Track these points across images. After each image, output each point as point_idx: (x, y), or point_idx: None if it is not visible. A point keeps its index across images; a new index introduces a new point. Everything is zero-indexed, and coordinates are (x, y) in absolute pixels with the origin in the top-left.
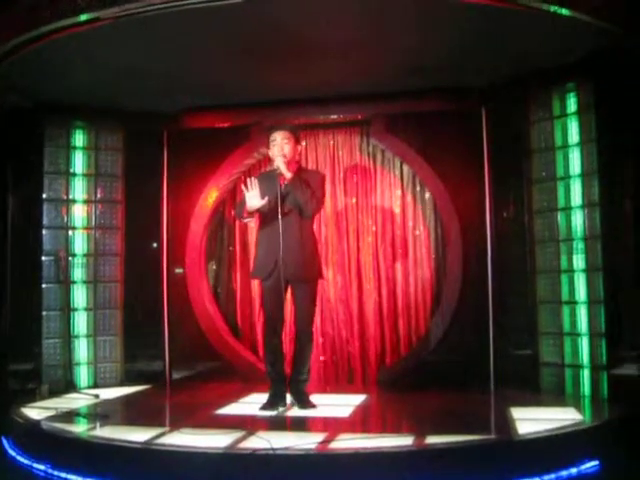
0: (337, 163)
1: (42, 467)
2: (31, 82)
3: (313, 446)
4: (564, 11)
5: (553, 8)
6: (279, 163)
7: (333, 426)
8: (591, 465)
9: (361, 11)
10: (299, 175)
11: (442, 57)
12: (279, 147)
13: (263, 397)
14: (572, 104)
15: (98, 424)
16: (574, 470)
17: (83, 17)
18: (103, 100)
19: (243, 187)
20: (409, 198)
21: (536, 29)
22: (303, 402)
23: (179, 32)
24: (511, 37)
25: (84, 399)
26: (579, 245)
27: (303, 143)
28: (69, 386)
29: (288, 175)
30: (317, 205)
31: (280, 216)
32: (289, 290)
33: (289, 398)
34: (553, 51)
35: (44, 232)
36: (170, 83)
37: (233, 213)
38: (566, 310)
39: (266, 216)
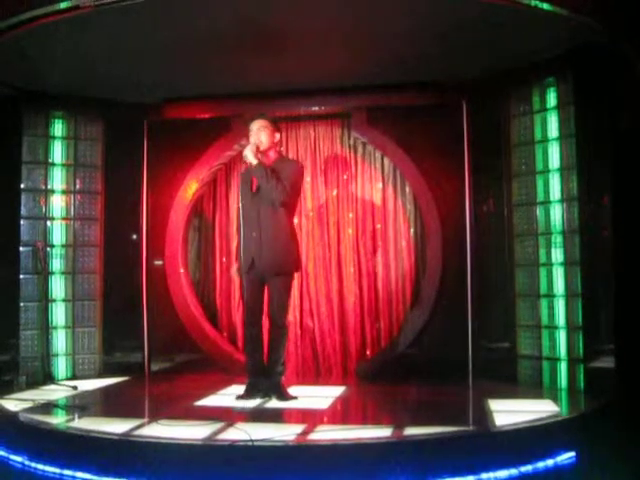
0: (318, 155)
1: (19, 459)
2: (9, 70)
3: (292, 437)
4: (545, 5)
5: (534, 2)
6: (246, 150)
7: (312, 418)
8: (568, 457)
9: (340, 4)
10: (267, 162)
11: (423, 51)
12: (255, 136)
13: (242, 388)
14: (552, 99)
15: (76, 416)
16: (551, 461)
17: (63, 5)
18: (83, 89)
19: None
20: (389, 191)
21: (517, 24)
22: (281, 394)
23: (158, 22)
24: (492, 31)
25: (62, 390)
26: (557, 239)
27: (277, 135)
28: (47, 377)
29: (254, 162)
30: (282, 193)
31: (254, 210)
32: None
33: (267, 390)
34: (533, 46)
35: (22, 222)
36: (150, 73)
37: (212, 205)
38: (544, 303)
39: (243, 211)
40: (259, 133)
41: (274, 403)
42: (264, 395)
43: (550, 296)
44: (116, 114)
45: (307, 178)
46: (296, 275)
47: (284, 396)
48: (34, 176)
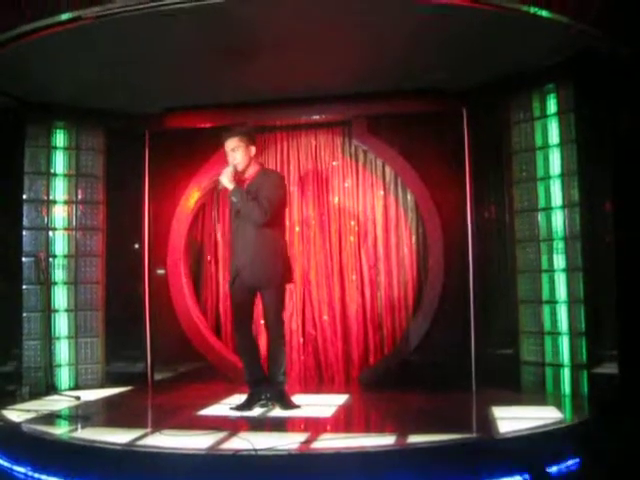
0: (319, 163)
1: (22, 469)
2: (11, 81)
3: (295, 446)
4: (544, 13)
5: (533, 10)
6: (222, 176)
7: (315, 426)
8: (571, 463)
9: (341, 13)
10: (247, 179)
11: (424, 59)
12: (231, 157)
13: (244, 398)
14: (552, 105)
15: (79, 426)
16: (555, 468)
17: (64, 16)
18: (84, 100)
19: None
20: (391, 199)
21: (517, 31)
22: (284, 403)
23: (159, 33)
24: (492, 39)
25: (65, 401)
26: (559, 245)
27: (253, 149)
28: (50, 388)
29: (230, 187)
30: (261, 215)
31: (236, 225)
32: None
33: (270, 399)
34: (534, 53)
35: (24, 233)
36: (151, 83)
37: (214, 214)
38: (546, 309)
39: (231, 227)
40: (234, 154)
41: (277, 412)
42: (266, 404)
43: (553, 302)
44: (117, 124)
45: (309, 186)
46: (288, 286)
47: (288, 405)
48: (36, 186)
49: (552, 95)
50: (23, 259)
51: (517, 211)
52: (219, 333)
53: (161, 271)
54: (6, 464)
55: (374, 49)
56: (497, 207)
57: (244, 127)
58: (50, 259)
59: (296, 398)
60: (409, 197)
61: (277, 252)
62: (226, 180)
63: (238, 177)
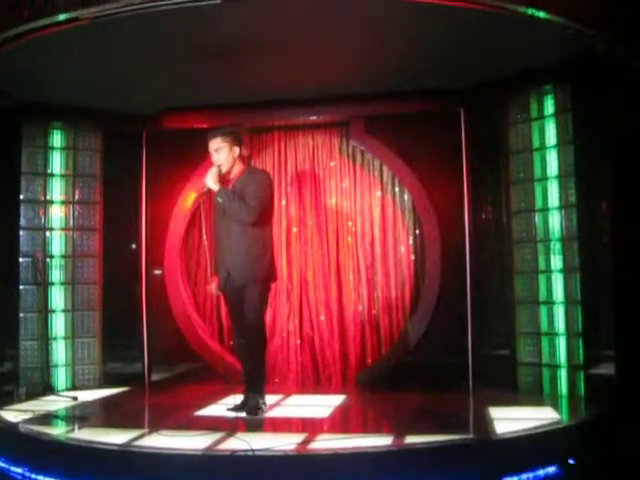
0: (317, 164)
1: (19, 470)
2: (9, 82)
3: (292, 447)
4: (541, 14)
5: (530, 11)
6: (207, 177)
7: (312, 427)
8: (568, 463)
9: (339, 15)
10: (232, 179)
11: (422, 59)
12: (214, 158)
13: (241, 398)
14: (549, 106)
15: (76, 426)
16: (551, 469)
17: (62, 17)
18: (82, 100)
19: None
20: (389, 199)
21: (514, 32)
22: (249, 407)
23: (157, 33)
24: (490, 40)
25: (62, 401)
26: (556, 246)
27: (237, 150)
28: (47, 388)
29: (215, 188)
30: (248, 215)
31: (222, 226)
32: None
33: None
34: (531, 54)
35: (21, 233)
36: (148, 84)
37: (212, 214)
38: (544, 310)
39: (216, 228)
40: (217, 155)
41: (275, 412)
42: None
43: (550, 303)
44: (115, 124)
45: (306, 187)
46: (284, 286)
47: (250, 410)
48: (33, 187)
49: (550, 96)
50: (20, 259)
51: (514, 212)
52: (222, 335)
53: (158, 271)
54: (3, 465)
55: (372, 50)
56: (494, 207)
57: (228, 128)
58: (47, 259)
59: (293, 399)
60: (406, 197)
61: (265, 251)
62: (211, 181)
63: (223, 178)
